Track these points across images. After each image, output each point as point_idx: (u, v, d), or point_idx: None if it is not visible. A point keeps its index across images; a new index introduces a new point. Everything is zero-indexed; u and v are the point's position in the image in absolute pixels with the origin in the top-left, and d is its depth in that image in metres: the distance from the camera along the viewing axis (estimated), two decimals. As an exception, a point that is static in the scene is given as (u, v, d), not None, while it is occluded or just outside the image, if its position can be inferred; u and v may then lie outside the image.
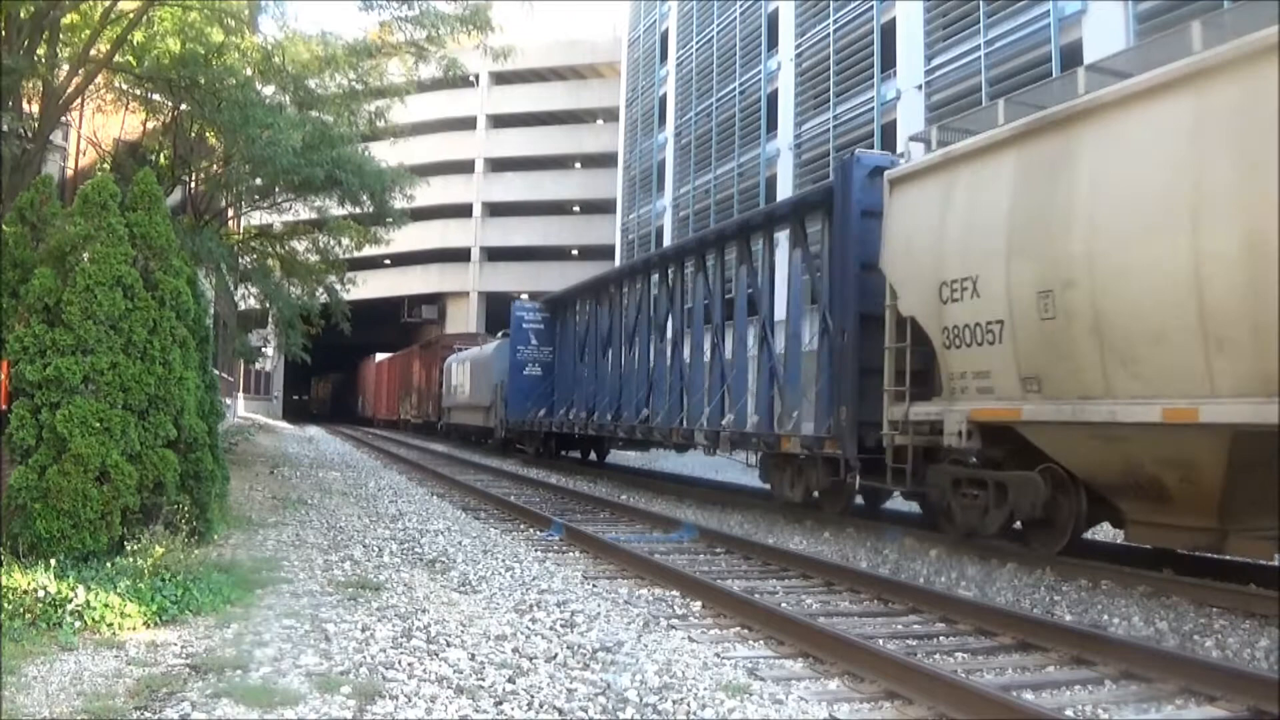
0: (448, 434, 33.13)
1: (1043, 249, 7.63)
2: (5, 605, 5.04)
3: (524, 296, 26.95)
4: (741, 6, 34.78)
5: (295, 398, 75.44)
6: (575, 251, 54.60)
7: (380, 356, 51.86)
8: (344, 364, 62.54)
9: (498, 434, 24.69)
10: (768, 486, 12.69)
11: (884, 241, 9.76)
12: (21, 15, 11.50)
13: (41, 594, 5.16)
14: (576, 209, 56.33)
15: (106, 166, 16.66)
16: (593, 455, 22.27)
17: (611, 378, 18.08)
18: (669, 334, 16.17)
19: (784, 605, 6.67)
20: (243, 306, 30.03)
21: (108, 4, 12.77)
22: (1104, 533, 10.72)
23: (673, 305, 15.83)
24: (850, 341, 10.41)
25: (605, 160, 51.78)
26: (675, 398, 15.27)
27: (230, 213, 24.08)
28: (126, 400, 6.38)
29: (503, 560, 7.84)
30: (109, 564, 5.90)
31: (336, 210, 22.33)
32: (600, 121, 54.54)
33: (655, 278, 16.79)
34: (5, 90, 11.24)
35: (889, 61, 26.85)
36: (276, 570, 6.90)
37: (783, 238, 13.34)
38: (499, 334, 28.56)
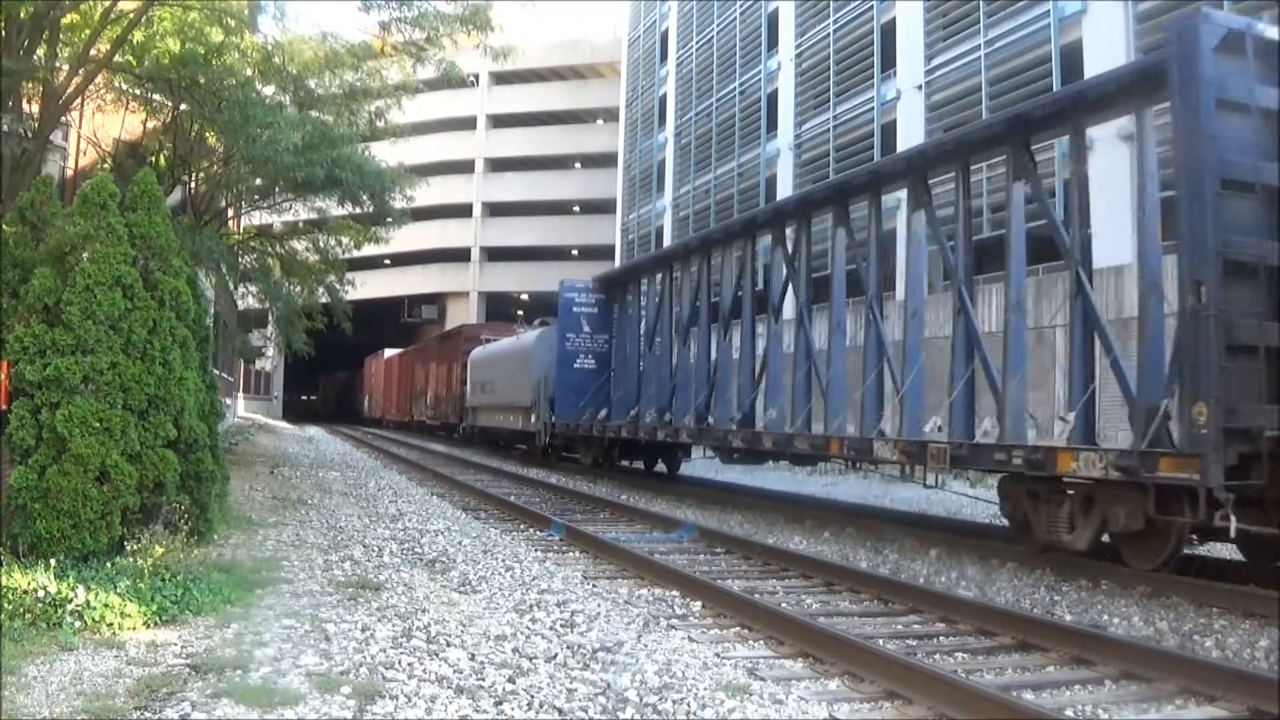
0: (472, 439, 28.74)
1: None
2: (5, 605, 5.03)
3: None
4: (741, 6, 34.78)
5: (302, 397, 74.68)
6: (575, 251, 54.60)
7: (389, 353, 48.34)
8: (348, 363, 61.73)
9: (540, 439, 20.49)
10: (1007, 518, 8.91)
11: None
12: (21, 15, 11.50)
13: (41, 594, 5.16)
14: (576, 209, 56.33)
15: (106, 166, 16.66)
16: (659, 466, 18.72)
17: (698, 371, 14.83)
18: (791, 311, 12.92)
19: (784, 605, 6.67)
20: (242, 306, 30.03)
21: (108, 4, 12.77)
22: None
23: (795, 274, 12.45)
24: (1212, 301, 6.64)
25: (605, 160, 51.77)
26: (801, 395, 11.91)
27: (230, 213, 24.09)
28: (126, 400, 6.38)
29: (503, 560, 7.83)
30: (109, 564, 5.90)
31: (336, 210, 22.33)
32: (600, 121, 54.54)
33: (766, 240, 13.67)
34: (5, 90, 11.24)
35: (889, 61, 26.85)
36: (276, 570, 6.89)
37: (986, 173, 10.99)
38: (536, 322, 25.18)
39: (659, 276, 17.04)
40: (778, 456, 13.40)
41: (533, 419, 20.94)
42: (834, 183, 12.10)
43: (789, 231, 12.89)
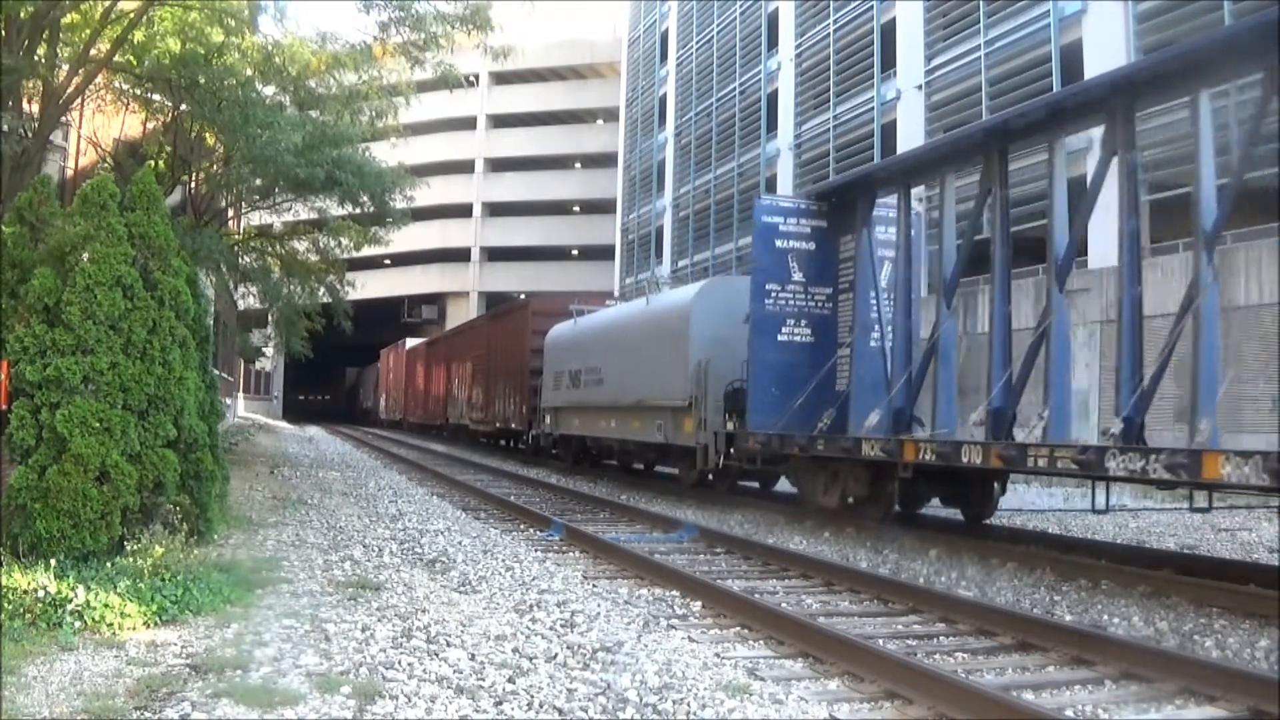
0: (547, 452, 20.64)
1: None
2: (5, 605, 5.04)
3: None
4: (741, 6, 34.80)
5: (304, 398, 72.80)
6: (575, 251, 54.68)
7: (411, 343, 41.44)
8: (351, 361, 60.16)
9: (706, 460, 12.71)
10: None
11: None
12: (21, 15, 11.50)
13: (41, 594, 5.16)
14: (576, 209, 56.38)
15: (106, 166, 16.67)
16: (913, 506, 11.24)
17: (1124, 340, 7.98)
18: None
19: (784, 605, 6.67)
20: (242, 306, 30.07)
21: (108, 4, 12.78)
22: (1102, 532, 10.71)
23: None
24: None
25: (605, 160, 51.82)
26: None
27: (230, 213, 24.11)
28: (126, 400, 6.38)
29: (503, 560, 7.83)
30: (109, 564, 5.90)
31: (336, 210, 22.35)
32: (600, 121, 54.59)
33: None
34: (5, 90, 11.24)
35: (889, 61, 26.87)
36: (276, 570, 6.90)
37: None
38: (651, 278, 18.13)
39: (978, 173, 10.15)
40: None
41: (687, 426, 13.24)
42: None
43: None
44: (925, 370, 10.29)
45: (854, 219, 11.45)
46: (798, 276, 11.86)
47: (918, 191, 12.02)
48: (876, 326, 11.13)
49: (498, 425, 24.22)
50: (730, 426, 12.49)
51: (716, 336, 13.01)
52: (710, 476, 13.71)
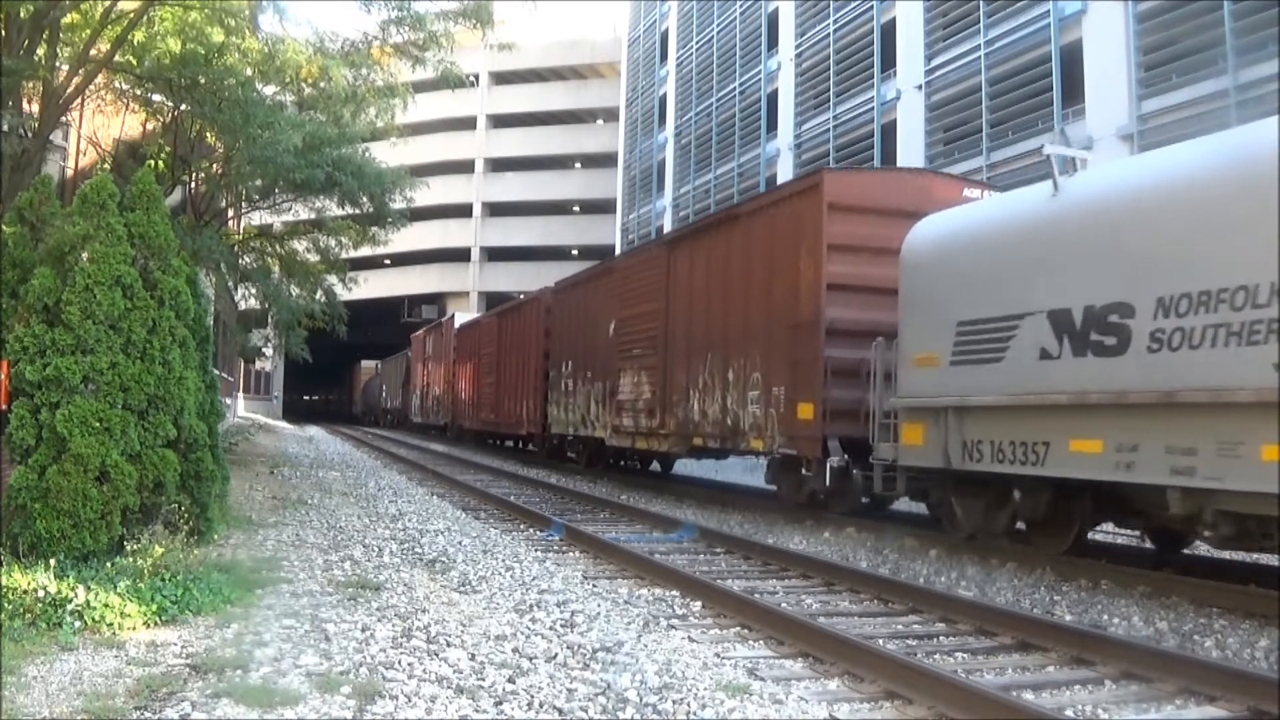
0: (863, 499, 10.90)
1: None
2: (5, 605, 5.03)
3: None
4: (741, 6, 34.80)
5: (318, 398, 70.48)
6: (575, 251, 54.69)
7: (464, 318, 31.39)
8: (361, 357, 58.41)
9: None
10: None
11: None
12: (21, 15, 11.50)
13: (41, 594, 5.15)
14: (576, 209, 56.41)
15: (106, 166, 16.66)
16: None
17: None
18: None
19: (784, 605, 6.67)
20: (243, 306, 30.05)
21: (108, 4, 12.78)
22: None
23: None
24: None
25: (605, 160, 51.84)
26: None
27: (230, 213, 24.10)
28: (126, 400, 6.38)
29: (503, 560, 7.83)
30: (109, 564, 5.90)
31: (336, 211, 22.33)
32: (600, 121, 54.62)
33: None
34: (5, 90, 11.24)
35: (889, 61, 26.88)
36: (276, 570, 6.89)
37: None
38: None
39: None
40: None
41: None
42: None
43: None
44: None
45: None
46: None
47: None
48: None
49: (700, 441, 13.39)
50: None
51: None
52: None
